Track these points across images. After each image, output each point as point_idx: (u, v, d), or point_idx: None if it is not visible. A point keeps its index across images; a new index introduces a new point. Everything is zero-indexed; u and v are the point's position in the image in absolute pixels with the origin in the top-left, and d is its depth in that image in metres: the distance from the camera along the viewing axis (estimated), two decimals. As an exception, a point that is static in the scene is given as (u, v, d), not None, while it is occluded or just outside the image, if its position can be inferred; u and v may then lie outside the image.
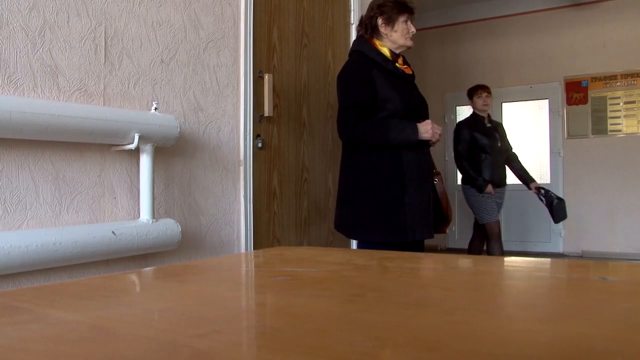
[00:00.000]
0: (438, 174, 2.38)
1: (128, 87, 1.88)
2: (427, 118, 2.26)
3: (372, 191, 2.19)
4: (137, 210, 1.89)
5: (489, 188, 4.02)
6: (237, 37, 2.34)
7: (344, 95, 2.21)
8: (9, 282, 1.53)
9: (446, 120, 6.68)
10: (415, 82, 2.35)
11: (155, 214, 1.87)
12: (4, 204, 1.55)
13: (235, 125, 2.32)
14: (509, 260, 0.73)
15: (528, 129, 6.50)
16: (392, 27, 2.26)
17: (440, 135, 2.22)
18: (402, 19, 2.26)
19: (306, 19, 2.82)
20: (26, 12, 1.61)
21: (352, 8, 3.12)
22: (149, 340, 0.33)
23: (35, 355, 0.30)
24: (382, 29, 2.29)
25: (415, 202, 2.15)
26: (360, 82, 2.18)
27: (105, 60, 1.81)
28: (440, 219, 2.30)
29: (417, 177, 2.18)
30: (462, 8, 6.68)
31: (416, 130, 2.15)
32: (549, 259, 1.00)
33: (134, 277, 0.58)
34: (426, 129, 2.15)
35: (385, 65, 2.20)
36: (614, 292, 0.44)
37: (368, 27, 2.31)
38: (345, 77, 2.24)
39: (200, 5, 2.17)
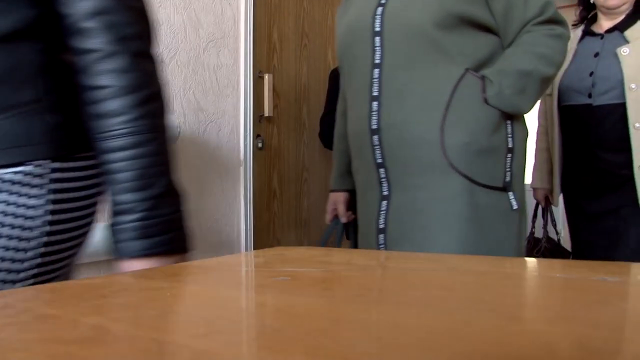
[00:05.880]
0: None
1: (128, 87, 1.88)
2: None
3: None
4: (137, 210, 1.89)
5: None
6: (237, 37, 2.34)
7: (325, 99, 2.42)
8: (9, 282, 1.53)
9: (446, 120, 6.66)
10: None
11: (155, 214, 1.87)
12: (4, 204, 1.55)
13: (235, 125, 2.32)
14: (509, 260, 0.73)
15: (528, 128, 6.49)
16: None
17: None
18: None
19: (306, 19, 2.82)
20: (26, 12, 1.61)
21: (352, 8, 3.12)
22: (149, 341, 0.33)
23: (35, 355, 0.30)
24: None
25: None
26: (334, 89, 2.26)
27: (105, 60, 1.81)
28: None
29: None
30: (462, 8, 6.68)
31: None
32: (549, 259, 1.00)
33: (133, 277, 0.58)
34: None
35: None
36: (614, 292, 0.44)
37: None
38: (328, 84, 2.41)
39: (200, 5, 2.17)
